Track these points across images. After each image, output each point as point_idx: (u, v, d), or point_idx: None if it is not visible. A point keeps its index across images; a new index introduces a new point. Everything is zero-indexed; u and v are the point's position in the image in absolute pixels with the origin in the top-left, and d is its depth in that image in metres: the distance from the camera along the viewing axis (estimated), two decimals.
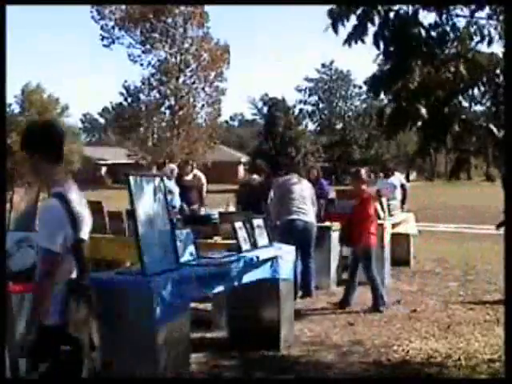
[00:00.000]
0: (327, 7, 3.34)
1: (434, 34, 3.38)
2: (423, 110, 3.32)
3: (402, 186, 10.56)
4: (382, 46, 3.31)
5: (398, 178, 10.71)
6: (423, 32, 3.34)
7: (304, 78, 62.15)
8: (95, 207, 6.71)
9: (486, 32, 3.42)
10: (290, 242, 6.53)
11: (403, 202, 10.29)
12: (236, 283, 4.33)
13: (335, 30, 3.28)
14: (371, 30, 3.30)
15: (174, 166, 9.04)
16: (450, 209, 21.64)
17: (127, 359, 3.56)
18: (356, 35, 3.28)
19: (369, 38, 3.32)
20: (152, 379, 3.52)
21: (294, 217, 6.74)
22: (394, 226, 8.47)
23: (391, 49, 3.32)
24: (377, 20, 3.27)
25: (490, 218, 13.49)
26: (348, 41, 3.31)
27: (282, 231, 6.57)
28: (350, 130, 57.17)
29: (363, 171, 6.92)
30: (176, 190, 8.47)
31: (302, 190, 6.96)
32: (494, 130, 3.34)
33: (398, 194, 10.18)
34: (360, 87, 58.07)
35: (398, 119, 3.47)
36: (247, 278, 4.46)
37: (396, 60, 3.34)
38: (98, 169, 45.90)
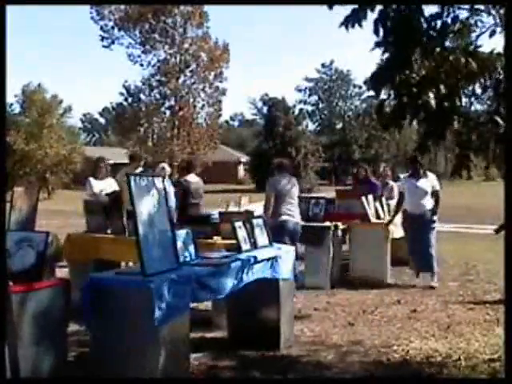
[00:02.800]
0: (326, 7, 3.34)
1: (435, 25, 3.36)
2: (432, 102, 3.31)
3: (435, 192, 7.82)
4: (381, 33, 3.28)
5: (430, 180, 7.85)
6: (424, 23, 3.33)
7: (304, 78, 62.28)
8: (95, 207, 6.74)
9: (487, 25, 3.41)
10: (279, 241, 6.56)
11: (434, 211, 7.78)
12: (237, 284, 4.33)
13: (330, 7, 3.25)
14: (371, 17, 3.27)
15: (165, 165, 8.80)
16: (450, 209, 21.60)
17: (127, 359, 3.56)
18: (354, 19, 3.23)
19: (368, 26, 3.28)
20: (152, 379, 3.52)
21: (285, 218, 6.81)
22: (394, 225, 8.46)
23: (391, 38, 3.29)
24: (378, 7, 3.24)
25: (490, 218, 13.49)
26: (345, 23, 3.27)
27: (273, 231, 6.65)
28: (349, 129, 57.20)
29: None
30: (171, 189, 8.40)
31: (292, 191, 7.03)
32: (500, 122, 3.31)
33: (428, 202, 7.71)
34: (360, 87, 58.17)
35: (399, 113, 3.46)
36: (248, 279, 4.46)
37: (396, 50, 3.31)
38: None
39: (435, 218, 7.85)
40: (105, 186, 7.92)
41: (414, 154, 7.82)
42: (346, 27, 3.27)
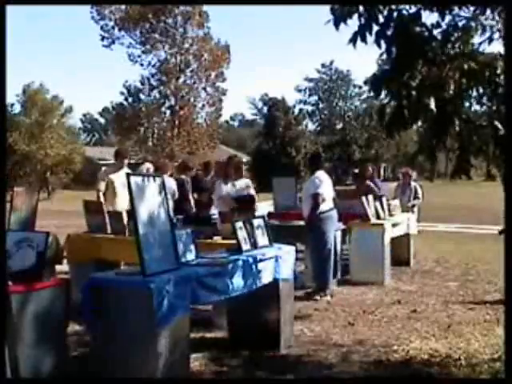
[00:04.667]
0: (327, 6, 3.35)
1: (436, 33, 3.38)
2: (432, 105, 3.32)
3: (312, 195, 6.91)
4: (383, 45, 3.31)
5: (310, 181, 7.10)
6: (425, 32, 3.35)
7: (304, 78, 62.21)
8: (95, 207, 6.73)
9: (487, 30, 3.42)
10: None
11: (311, 217, 6.87)
12: (240, 288, 4.33)
13: (336, 27, 3.29)
14: (374, 28, 3.30)
15: (149, 165, 8.39)
16: (450, 209, 21.67)
17: (127, 359, 3.56)
18: (361, 35, 3.27)
19: (371, 38, 3.31)
20: (152, 379, 3.52)
21: None
22: (394, 225, 8.48)
23: (393, 48, 3.32)
24: (380, 19, 3.27)
25: (490, 218, 13.51)
26: (353, 40, 3.31)
27: None
28: (349, 129, 57.22)
29: None
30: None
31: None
32: (499, 126, 3.32)
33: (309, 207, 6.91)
34: (360, 87, 58.14)
35: (399, 117, 3.47)
36: (250, 282, 4.46)
37: (398, 59, 3.33)
38: (98, 169, 46.01)
39: (319, 224, 6.88)
40: (238, 186, 7.08)
41: (314, 152, 7.66)
42: (354, 44, 3.31)
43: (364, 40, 3.29)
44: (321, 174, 7.09)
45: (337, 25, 3.29)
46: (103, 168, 7.73)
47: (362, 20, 3.26)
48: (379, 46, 3.30)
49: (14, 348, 3.40)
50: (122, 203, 6.98)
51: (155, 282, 3.51)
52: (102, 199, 7.12)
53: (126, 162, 7.70)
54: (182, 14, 34.71)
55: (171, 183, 7.71)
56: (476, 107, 3.75)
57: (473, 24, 3.44)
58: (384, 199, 8.73)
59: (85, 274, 4.28)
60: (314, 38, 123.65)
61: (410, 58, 3.33)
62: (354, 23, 3.32)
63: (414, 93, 3.39)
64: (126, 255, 5.85)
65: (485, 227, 14.10)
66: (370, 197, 8.34)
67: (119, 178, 7.15)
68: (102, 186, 7.25)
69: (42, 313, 3.61)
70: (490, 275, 8.27)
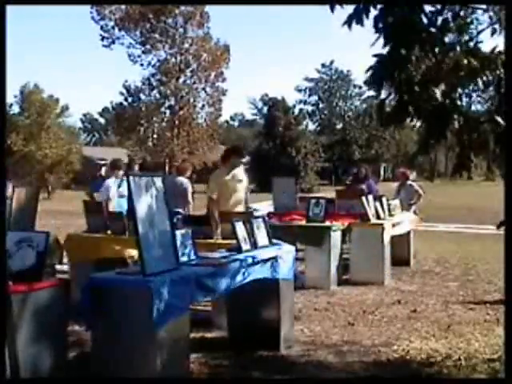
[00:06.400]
0: (327, 7, 3.33)
1: (435, 21, 3.36)
2: (438, 94, 3.30)
3: None
4: (382, 37, 3.28)
5: None
6: (424, 18, 3.32)
7: (304, 78, 62.42)
8: (95, 207, 6.74)
9: (483, 24, 3.42)
10: None
11: None
12: (236, 283, 4.33)
13: (332, 10, 3.26)
14: (372, 15, 3.27)
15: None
16: (450, 209, 21.68)
17: (127, 359, 3.56)
18: (356, 17, 3.23)
19: (369, 25, 3.27)
20: (152, 379, 3.52)
21: None
22: (393, 225, 8.48)
23: (391, 34, 3.28)
24: (379, 5, 3.24)
25: (490, 218, 13.49)
26: (348, 22, 3.27)
27: None
28: (349, 130, 57.30)
29: None
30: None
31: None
32: (500, 121, 3.30)
33: None
34: (360, 87, 58.23)
35: (400, 111, 3.45)
36: (247, 278, 4.45)
37: (395, 46, 3.30)
38: (98, 169, 46.06)
39: None
40: None
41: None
42: (349, 26, 3.27)
43: (360, 22, 3.24)
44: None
45: (332, 7, 3.25)
46: (216, 173, 6.97)
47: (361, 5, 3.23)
48: (377, 30, 3.26)
49: (13, 348, 3.40)
50: (236, 205, 6.65)
51: (155, 281, 3.51)
52: (214, 205, 6.49)
53: (243, 161, 7.08)
54: (182, 14, 34.71)
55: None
56: (477, 106, 3.75)
57: (469, 16, 3.43)
58: (384, 199, 8.73)
59: (85, 274, 4.28)
60: (314, 39, 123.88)
61: (408, 45, 3.30)
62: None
63: (415, 88, 3.38)
64: (125, 255, 5.85)
65: (485, 227, 14.11)
66: (370, 197, 8.35)
67: (233, 180, 6.69)
68: (215, 194, 6.57)
69: (42, 313, 3.60)
70: (490, 275, 8.28)
